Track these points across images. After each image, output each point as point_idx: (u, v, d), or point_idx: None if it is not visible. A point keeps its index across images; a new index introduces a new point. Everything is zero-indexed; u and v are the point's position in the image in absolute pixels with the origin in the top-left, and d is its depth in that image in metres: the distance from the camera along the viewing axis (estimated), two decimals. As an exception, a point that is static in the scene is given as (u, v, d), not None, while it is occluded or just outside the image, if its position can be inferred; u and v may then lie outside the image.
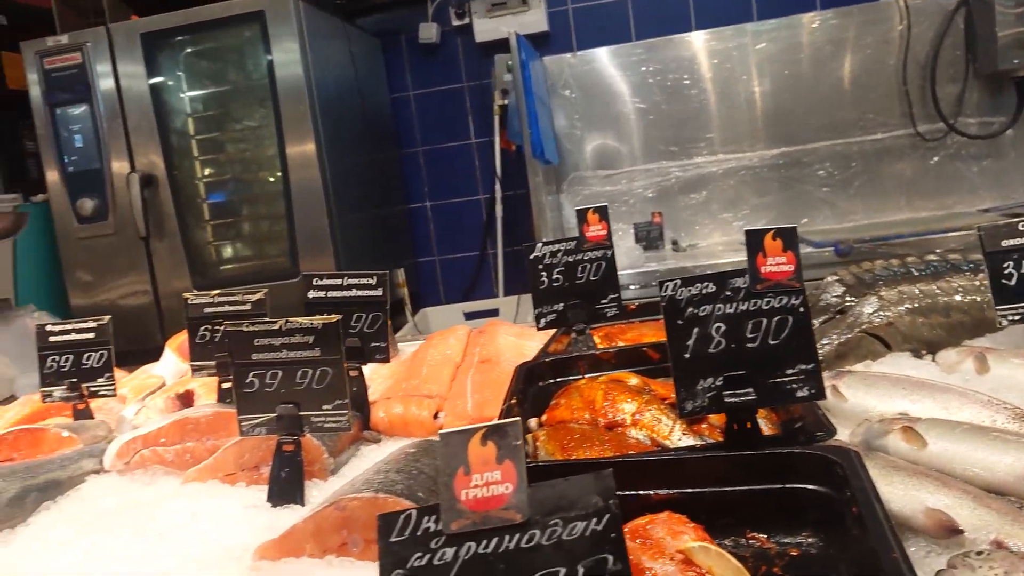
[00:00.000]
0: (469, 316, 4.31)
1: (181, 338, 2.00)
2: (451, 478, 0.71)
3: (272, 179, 3.73)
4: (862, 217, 4.14)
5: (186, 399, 1.64)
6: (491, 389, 1.46)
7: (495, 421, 0.73)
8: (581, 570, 0.67)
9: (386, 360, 1.52)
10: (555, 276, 1.54)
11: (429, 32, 4.49)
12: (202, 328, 1.57)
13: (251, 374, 1.19)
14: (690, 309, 1.02)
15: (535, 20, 4.37)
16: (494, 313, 4.31)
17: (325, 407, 1.21)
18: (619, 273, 1.61)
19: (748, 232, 1.02)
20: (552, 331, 1.64)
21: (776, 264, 0.99)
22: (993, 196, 3.98)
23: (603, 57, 4.33)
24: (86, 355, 1.65)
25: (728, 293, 1.01)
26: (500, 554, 0.69)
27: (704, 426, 1.13)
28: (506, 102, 4.34)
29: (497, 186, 4.55)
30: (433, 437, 1.34)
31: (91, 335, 1.66)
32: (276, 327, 1.21)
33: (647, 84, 4.30)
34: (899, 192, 4.10)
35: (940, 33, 3.93)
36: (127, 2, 3.94)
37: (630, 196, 4.38)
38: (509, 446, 0.71)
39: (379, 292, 1.48)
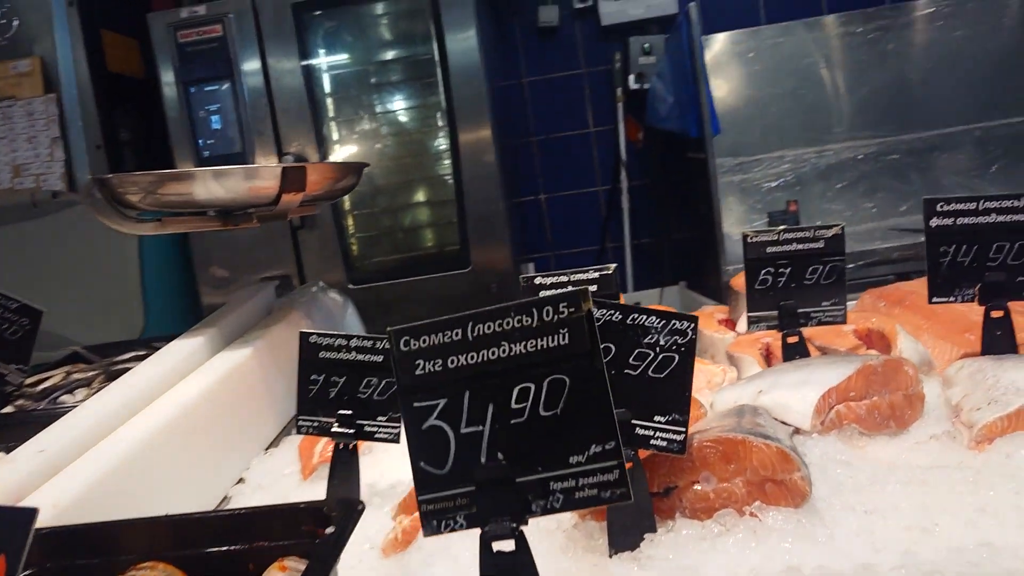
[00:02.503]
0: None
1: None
2: None
3: (440, 165, 3.44)
4: (1001, 201, 4.11)
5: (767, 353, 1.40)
6: None
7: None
8: None
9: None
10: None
11: (550, 15, 4.29)
12: (763, 272, 1.34)
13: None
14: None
15: (663, 2, 4.22)
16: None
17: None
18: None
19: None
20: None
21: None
22: None
23: (728, 40, 4.20)
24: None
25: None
26: None
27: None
28: (641, 86, 4.16)
29: (623, 176, 4.36)
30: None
31: (593, 288, 1.40)
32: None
33: (778, 69, 4.20)
34: (1037, 175, 4.10)
35: (1082, 15, 3.96)
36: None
37: (764, 183, 4.26)
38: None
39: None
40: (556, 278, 1.40)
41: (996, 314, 1.24)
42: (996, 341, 1.24)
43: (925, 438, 1.08)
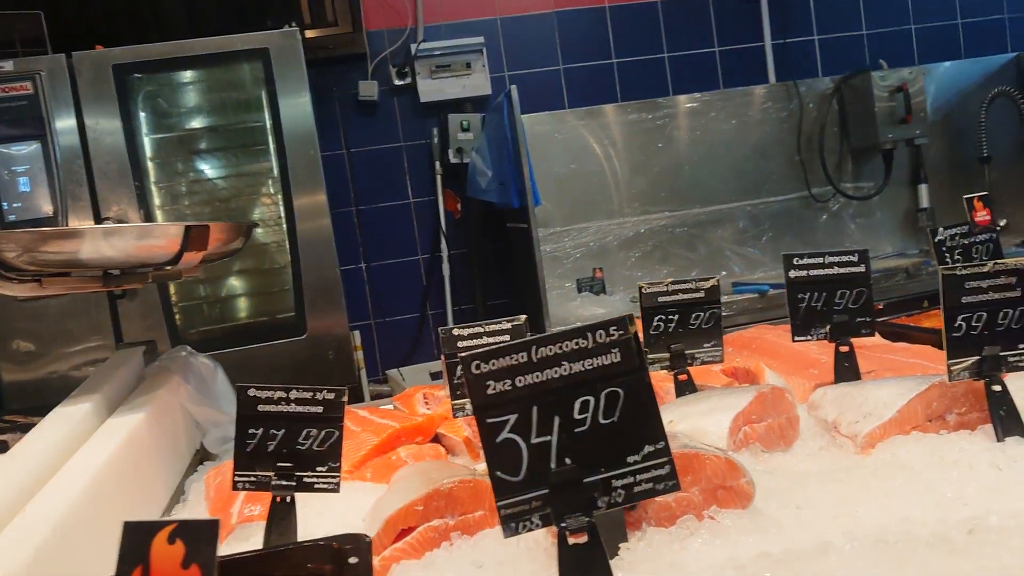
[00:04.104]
0: (435, 376, 4.20)
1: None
2: None
3: (271, 231, 3.42)
4: (770, 268, 4.73)
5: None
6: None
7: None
8: None
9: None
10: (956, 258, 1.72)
11: (370, 89, 4.42)
12: (656, 318, 1.52)
13: (959, 318, 1.22)
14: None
15: (479, 83, 4.50)
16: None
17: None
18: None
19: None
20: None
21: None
22: (870, 246, 4.78)
23: (534, 121, 4.55)
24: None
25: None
26: None
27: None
28: (460, 160, 4.37)
29: (443, 245, 4.52)
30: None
31: (506, 337, 1.52)
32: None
33: (579, 148, 4.60)
34: (798, 244, 4.76)
35: (824, 112, 4.72)
36: (67, 34, 3.44)
37: (572, 252, 4.59)
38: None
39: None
40: (472, 329, 1.51)
41: (843, 349, 1.51)
42: (844, 371, 1.50)
43: (815, 450, 1.29)
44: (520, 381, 0.74)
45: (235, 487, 1.27)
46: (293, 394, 1.29)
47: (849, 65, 4.74)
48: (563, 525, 0.72)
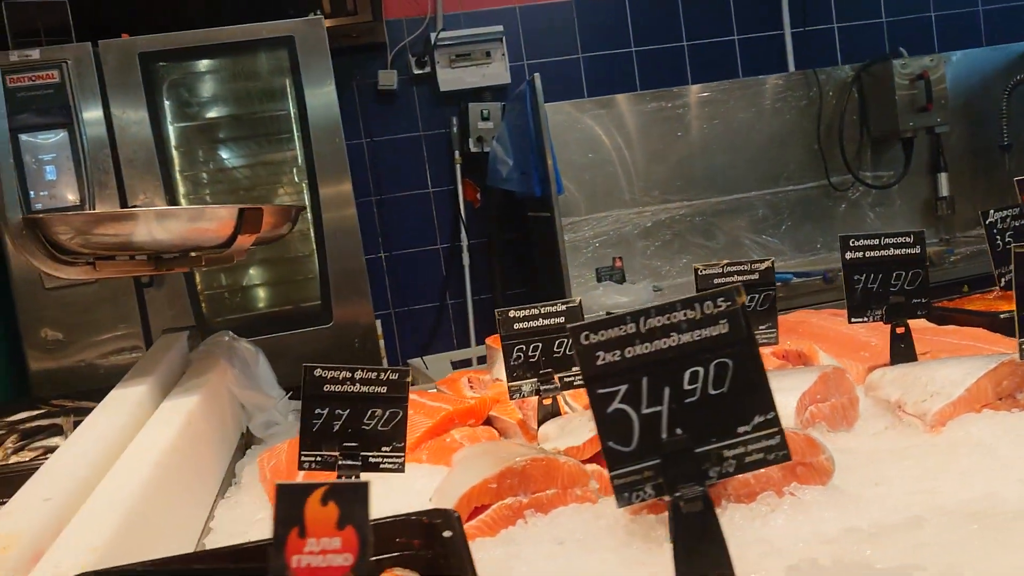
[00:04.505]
0: (457, 365, 4.20)
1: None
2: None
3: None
4: (790, 256, 4.72)
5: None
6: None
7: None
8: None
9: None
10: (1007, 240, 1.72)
11: (389, 79, 4.41)
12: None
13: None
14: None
15: (498, 72, 4.49)
16: (478, 362, 4.25)
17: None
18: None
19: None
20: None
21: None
22: (888, 236, 4.78)
23: (555, 111, 4.54)
24: (557, 342, 1.51)
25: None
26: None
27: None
28: (481, 149, 4.37)
29: (463, 234, 4.52)
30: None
31: (561, 319, 1.52)
32: None
33: (599, 138, 4.59)
34: (817, 233, 4.76)
35: (843, 100, 4.70)
36: (90, 24, 3.43)
37: (592, 241, 4.59)
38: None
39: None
40: (527, 311, 1.51)
41: (899, 330, 1.50)
42: (901, 352, 1.50)
43: (879, 429, 1.29)
44: (629, 352, 0.74)
45: (300, 467, 1.27)
46: (358, 374, 1.29)
47: (869, 53, 4.72)
48: (677, 495, 0.72)
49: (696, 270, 1.55)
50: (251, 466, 1.65)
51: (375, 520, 0.98)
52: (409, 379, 1.31)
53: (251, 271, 3.46)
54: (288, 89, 3.34)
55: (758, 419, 0.74)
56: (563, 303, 1.52)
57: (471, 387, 1.88)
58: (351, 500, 0.54)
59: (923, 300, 1.50)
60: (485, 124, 4.36)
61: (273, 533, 0.52)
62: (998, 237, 1.68)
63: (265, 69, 3.38)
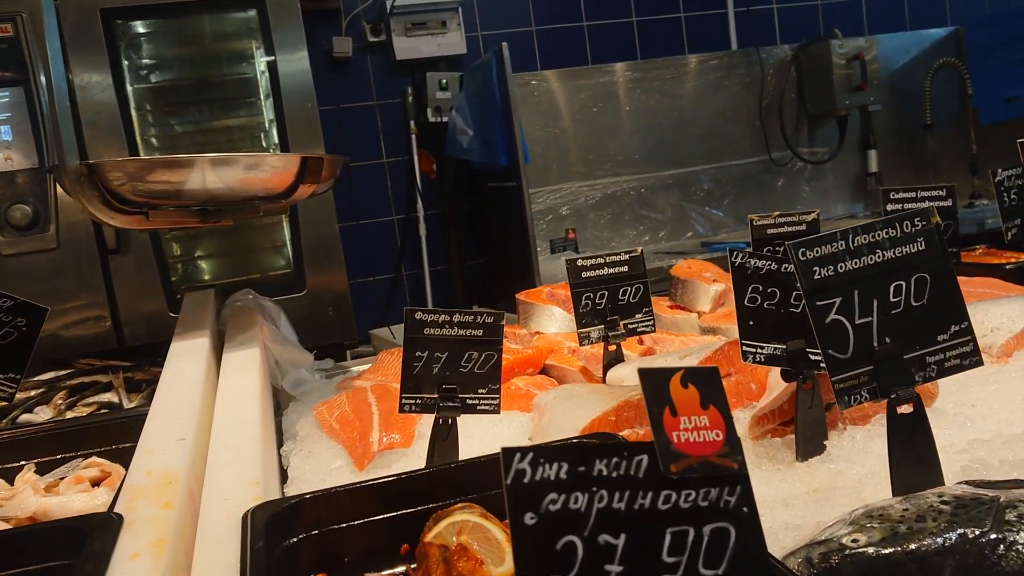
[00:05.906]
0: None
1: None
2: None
3: (269, 183, 3.33)
4: (732, 228, 4.91)
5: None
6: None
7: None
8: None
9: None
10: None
11: (344, 46, 4.34)
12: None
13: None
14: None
15: (454, 43, 4.48)
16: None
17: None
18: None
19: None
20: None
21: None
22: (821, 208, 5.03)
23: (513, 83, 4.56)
24: (622, 290, 1.56)
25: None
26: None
27: None
28: (439, 119, 4.35)
29: (420, 205, 4.50)
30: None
31: (624, 268, 1.57)
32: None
33: (552, 110, 4.65)
34: (758, 206, 4.96)
35: (783, 78, 4.91)
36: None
37: (546, 214, 4.66)
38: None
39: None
40: (594, 260, 1.55)
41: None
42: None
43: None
44: (841, 267, 0.79)
45: (401, 409, 1.28)
46: (456, 318, 1.31)
47: (806, 33, 4.93)
48: (892, 397, 0.78)
49: (751, 220, 1.62)
50: (304, 420, 1.63)
51: (485, 457, 1.00)
52: (503, 322, 1.33)
53: (219, 238, 3.36)
54: (258, 51, 3.25)
55: (954, 328, 0.81)
56: (626, 252, 1.57)
57: (507, 340, 1.91)
58: (708, 383, 0.57)
59: (955, 250, 1.62)
60: (443, 94, 4.35)
61: (648, 412, 0.54)
62: (1005, 194, 1.82)
63: (234, 30, 3.28)
